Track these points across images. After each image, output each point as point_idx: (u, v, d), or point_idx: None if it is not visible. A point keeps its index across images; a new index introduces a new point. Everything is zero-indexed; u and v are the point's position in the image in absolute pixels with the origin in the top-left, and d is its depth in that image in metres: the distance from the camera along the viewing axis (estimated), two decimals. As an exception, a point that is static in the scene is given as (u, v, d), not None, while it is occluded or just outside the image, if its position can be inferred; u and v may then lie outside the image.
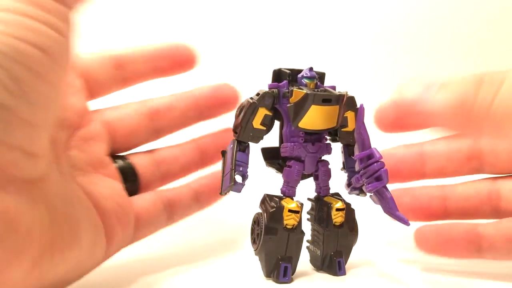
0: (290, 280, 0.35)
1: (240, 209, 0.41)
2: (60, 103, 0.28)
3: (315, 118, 0.35)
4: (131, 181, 0.37)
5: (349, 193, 0.38)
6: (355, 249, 0.38)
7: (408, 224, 0.34)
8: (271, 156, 0.38)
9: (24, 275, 0.25)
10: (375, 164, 0.34)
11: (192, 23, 0.59)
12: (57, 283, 0.28)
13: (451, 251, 0.37)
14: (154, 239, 0.38)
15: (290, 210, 0.35)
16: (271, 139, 0.37)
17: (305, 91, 0.34)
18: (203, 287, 0.34)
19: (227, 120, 0.42)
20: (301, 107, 0.34)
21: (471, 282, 0.36)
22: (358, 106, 0.35)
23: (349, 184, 0.38)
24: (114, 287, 0.33)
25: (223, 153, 0.36)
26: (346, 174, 0.38)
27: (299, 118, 0.34)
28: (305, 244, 0.38)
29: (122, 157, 0.38)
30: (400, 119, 0.33)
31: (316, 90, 0.35)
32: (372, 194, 0.35)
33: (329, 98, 0.34)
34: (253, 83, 0.38)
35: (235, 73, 0.54)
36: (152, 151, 0.40)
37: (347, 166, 0.38)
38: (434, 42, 0.57)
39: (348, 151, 0.38)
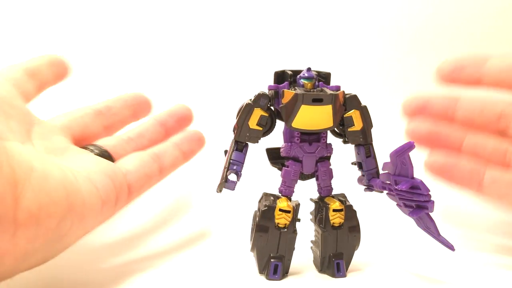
0: (279, 278, 0.35)
1: (245, 206, 0.42)
2: None
3: (307, 118, 0.35)
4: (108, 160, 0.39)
5: (365, 190, 0.38)
6: (361, 251, 0.37)
7: (453, 249, 0.35)
8: (275, 156, 0.38)
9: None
10: (422, 196, 0.33)
11: (195, 25, 0.60)
12: (50, 244, 0.29)
13: (455, 178, 0.40)
14: (150, 233, 0.40)
15: (281, 210, 0.35)
16: (277, 139, 0.38)
17: (294, 92, 0.34)
18: (200, 281, 0.35)
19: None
20: (292, 108, 0.34)
21: (472, 282, 0.35)
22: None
23: (369, 186, 0.37)
24: (110, 285, 0.34)
25: (225, 152, 0.37)
26: (359, 171, 0.38)
27: (291, 118, 0.35)
28: (309, 244, 0.38)
29: (92, 145, 0.40)
30: (459, 71, 0.42)
31: (312, 90, 0.35)
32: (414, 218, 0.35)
33: (320, 98, 0.34)
34: (258, 84, 0.38)
35: (240, 74, 0.55)
36: (116, 136, 0.42)
37: (366, 168, 0.37)
38: (439, 41, 0.53)
39: (365, 152, 0.37)
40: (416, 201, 0.34)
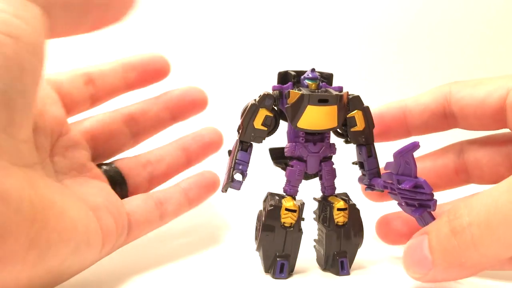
0: (286, 277, 0.35)
1: (249, 206, 0.42)
2: (35, 89, 0.28)
3: (313, 118, 0.35)
4: (119, 184, 0.39)
5: (366, 189, 0.38)
6: (364, 249, 0.37)
7: None
8: (278, 156, 0.39)
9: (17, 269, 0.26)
10: (425, 195, 0.34)
11: (198, 26, 0.60)
12: (48, 280, 0.29)
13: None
14: (153, 233, 0.40)
15: (287, 209, 0.35)
16: (281, 139, 0.38)
17: (300, 92, 0.35)
18: (205, 281, 0.35)
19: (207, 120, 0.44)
20: (297, 108, 0.35)
21: (474, 282, 0.35)
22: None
23: (370, 185, 0.38)
24: (113, 285, 0.34)
25: (229, 152, 0.38)
26: (360, 170, 0.38)
27: (297, 119, 0.35)
28: (312, 243, 0.39)
29: (107, 163, 0.39)
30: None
31: (317, 91, 0.36)
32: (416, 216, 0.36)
33: (326, 98, 0.35)
34: (260, 85, 0.39)
35: (243, 75, 0.56)
36: (138, 155, 0.42)
37: (368, 168, 0.38)
38: (438, 43, 0.54)
39: (366, 152, 0.38)
40: (419, 200, 0.35)
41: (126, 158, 0.41)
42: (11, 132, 0.26)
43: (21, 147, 0.27)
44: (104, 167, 0.39)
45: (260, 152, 0.38)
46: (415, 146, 0.33)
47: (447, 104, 0.38)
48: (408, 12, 0.56)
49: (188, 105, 0.44)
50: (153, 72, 0.42)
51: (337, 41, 0.57)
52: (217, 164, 0.43)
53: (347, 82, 0.39)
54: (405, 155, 0.34)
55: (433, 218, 0.35)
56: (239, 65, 0.57)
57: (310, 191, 0.38)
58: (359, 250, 0.37)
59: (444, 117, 0.39)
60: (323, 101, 0.35)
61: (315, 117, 0.35)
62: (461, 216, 0.30)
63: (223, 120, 0.44)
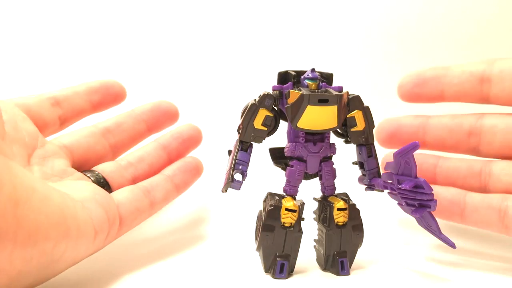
0: (286, 277, 0.35)
1: (249, 206, 0.42)
2: None
3: (313, 118, 0.35)
4: (103, 187, 0.38)
5: (366, 190, 0.38)
6: (364, 249, 0.38)
7: (454, 247, 0.36)
8: (278, 156, 0.39)
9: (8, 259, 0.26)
10: (425, 195, 0.34)
11: (198, 26, 0.60)
12: (45, 266, 0.29)
13: (437, 211, 0.38)
14: (154, 233, 0.40)
15: (287, 209, 0.36)
16: (281, 139, 0.38)
17: (300, 92, 0.35)
18: (205, 281, 0.35)
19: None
20: (297, 108, 0.35)
21: (474, 281, 0.35)
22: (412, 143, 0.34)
23: (370, 185, 0.38)
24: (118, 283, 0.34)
25: (229, 152, 0.38)
26: (360, 170, 0.38)
27: (297, 119, 0.35)
28: (312, 243, 0.39)
29: (88, 170, 0.40)
30: (420, 87, 0.41)
31: (317, 91, 0.36)
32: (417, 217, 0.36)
33: (326, 99, 0.35)
34: (260, 85, 0.39)
35: (242, 75, 0.56)
36: (118, 160, 0.42)
37: (368, 168, 0.38)
38: (439, 43, 0.54)
39: (367, 152, 0.38)
40: (419, 200, 0.35)
41: (107, 163, 0.42)
42: None
43: None
44: (88, 173, 0.39)
45: (260, 152, 0.38)
46: (415, 146, 0.33)
47: (487, 67, 0.40)
48: (408, 11, 0.56)
49: (161, 117, 0.45)
50: (113, 95, 0.44)
51: (338, 41, 0.57)
52: (217, 163, 0.43)
53: (347, 82, 0.39)
54: (405, 155, 0.34)
55: (434, 219, 0.35)
56: (239, 65, 0.57)
57: (310, 191, 0.38)
58: (359, 250, 0.37)
59: (480, 82, 0.40)
60: (323, 101, 0.35)
61: (315, 117, 0.35)
62: None
63: (223, 120, 0.44)
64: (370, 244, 0.39)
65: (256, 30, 0.58)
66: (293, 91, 0.35)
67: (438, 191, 0.39)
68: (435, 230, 0.36)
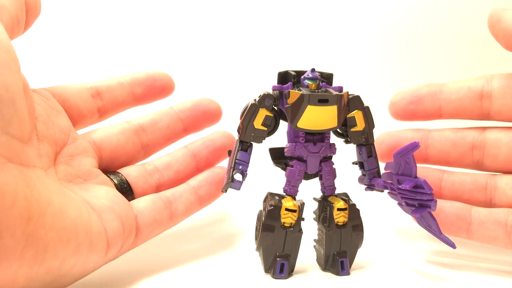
0: (286, 277, 0.36)
1: (249, 206, 0.42)
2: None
3: (312, 118, 0.35)
4: (125, 191, 0.38)
5: (366, 190, 0.38)
6: (363, 249, 0.38)
7: (454, 247, 0.36)
8: (278, 156, 0.39)
9: (19, 271, 0.26)
10: (425, 195, 0.34)
11: (198, 26, 0.60)
12: (48, 282, 0.28)
13: (442, 227, 0.37)
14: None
15: (287, 209, 0.36)
16: (281, 139, 0.38)
17: (300, 92, 0.35)
18: (205, 281, 0.35)
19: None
20: (297, 108, 0.35)
21: (474, 282, 0.35)
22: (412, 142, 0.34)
23: (370, 185, 0.38)
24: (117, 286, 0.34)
25: (229, 152, 0.38)
26: (360, 170, 0.38)
27: (297, 119, 0.35)
28: (312, 243, 0.39)
29: (113, 172, 0.38)
30: (416, 105, 0.41)
31: (317, 91, 0.36)
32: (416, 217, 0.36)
33: (326, 99, 0.35)
34: (260, 85, 0.39)
35: (242, 75, 0.56)
36: (145, 163, 0.41)
37: (368, 168, 0.38)
38: (440, 43, 0.54)
39: (367, 152, 0.38)
40: (419, 200, 0.35)
41: (133, 166, 0.40)
42: (5, 129, 0.26)
43: (19, 146, 0.27)
44: (110, 175, 0.38)
45: (260, 152, 0.38)
46: (415, 146, 0.33)
47: (486, 83, 0.39)
48: (409, 11, 0.56)
49: (201, 117, 0.43)
50: (159, 88, 0.42)
51: (338, 41, 0.58)
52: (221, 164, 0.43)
53: (347, 82, 0.39)
54: (405, 155, 0.34)
55: (434, 219, 0.35)
56: (240, 65, 0.57)
57: (310, 191, 0.38)
58: (359, 250, 0.37)
59: (479, 98, 0.39)
60: (323, 101, 0.35)
61: (315, 117, 0.35)
62: None
63: (223, 120, 0.44)
64: (370, 244, 0.39)
65: (257, 30, 0.58)
66: (293, 91, 0.35)
67: (444, 205, 0.38)
68: (435, 230, 0.36)
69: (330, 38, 0.57)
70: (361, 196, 0.39)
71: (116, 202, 0.34)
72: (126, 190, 0.38)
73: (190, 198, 0.39)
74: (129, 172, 0.39)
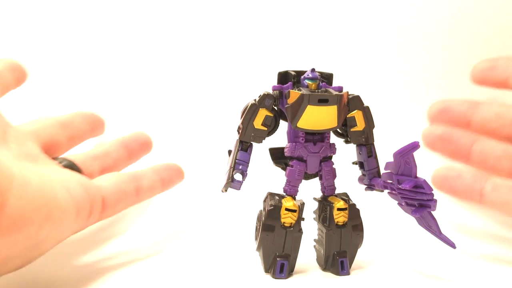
0: (286, 277, 0.36)
1: (249, 206, 0.42)
2: None
3: (312, 118, 0.35)
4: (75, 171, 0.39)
5: (366, 189, 0.38)
6: (364, 249, 0.38)
7: (454, 247, 0.36)
8: (278, 156, 0.39)
9: None
10: (425, 195, 0.34)
11: (198, 26, 0.60)
12: (30, 249, 0.29)
13: (456, 191, 0.40)
14: (154, 232, 0.40)
15: (287, 209, 0.36)
16: (281, 139, 0.38)
17: (300, 92, 0.35)
18: (205, 280, 0.35)
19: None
20: (297, 108, 0.35)
21: (475, 282, 0.35)
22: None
23: (370, 185, 0.38)
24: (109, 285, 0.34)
25: (229, 152, 0.38)
26: (360, 170, 0.38)
27: (297, 119, 0.35)
28: (312, 243, 0.39)
29: (59, 157, 0.40)
30: (489, 72, 0.44)
31: (317, 91, 0.36)
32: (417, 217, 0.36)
33: (326, 99, 0.35)
34: (260, 85, 0.39)
35: (242, 75, 0.55)
36: (84, 152, 0.43)
37: (368, 168, 0.38)
38: (441, 43, 0.55)
39: (367, 152, 0.38)
40: (419, 200, 0.35)
41: (75, 154, 0.42)
42: None
43: None
44: (59, 159, 0.39)
45: (260, 152, 0.38)
46: (415, 146, 0.33)
47: None
48: (411, 12, 0.56)
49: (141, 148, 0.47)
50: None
51: (338, 41, 0.57)
52: (217, 163, 0.43)
53: (347, 82, 0.38)
54: (405, 155, 0.34)
55: (434, 219, 0.35)
56: (240, 65, 0.57)
57: (310, 191, 0.38)
58: (359, 250, 0.37)
59: None
60: (323, 101, 0.35)
61: (315, 117, 0.35)
62: None
63: (223, 120, 0.44)
64: (370, 244, 0.39)
65: (257, 30, 0.58)
66: (293, 91, 0.35)
67: (462, 169, 0.42)
68: (435, 230, 0.36)
69: (331, 38, 0.57)
70: (361, 196, 0.39)
71: (74, 174, 0.35)
72: (76, 171, 0.39)
73: (153, 178, 0.41)
74: (74, 158, 0.40)
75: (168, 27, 0.60)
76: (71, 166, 0.39)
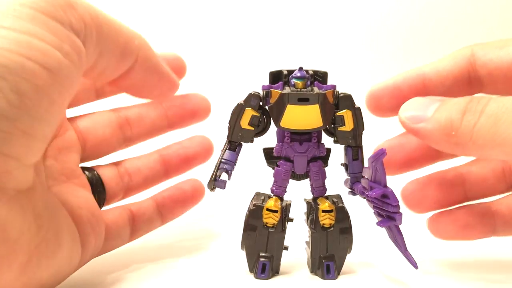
0: (267, 277, 0.35)
1: (243, 205, 0.42)
2: (59, 120, 0.29)
3: (294, 117, 0.34)
4: (99, 192, 0.38)
5: (349, 193, 0.37)
6: (356, 253, 0.36)
7: (416, 267, 0.34)
8: (272, 156, 0.38)
9: (12, 280, 0.26)
10: (391, 207, 0.33)
11: (193, 25, 0.60)
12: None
13: (468, 235, 0.36)
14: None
15: (268, 209, 0.35)
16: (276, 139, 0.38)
17: (280, 91, 0.34)
18: (190, 278, 0.36)
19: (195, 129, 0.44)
20: (279, 107, 0.34)
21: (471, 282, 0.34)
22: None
23: (351, 189, 0.37)
24: (96, 284, 0.35)
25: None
26: (346, 173, 0.37)
27: (279, 118, 0.35)
28: (304, 244, 0.38)
29: (90, 169, 0.39)
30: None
31: (303, 90, 0.35)
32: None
33: (306, 98, 0.34)
34: (258, 84, 0.39)
35: (239, 74, 0.55)
36: (117, 163, 0.41)
37: (351, 171, 0.36)
38: (435, 40, 0.50)
39: (352, 154, 0.36)
40: (386, 211, 0.33)
41: (108, 166, 0.41)
42: (22, 159, 0.26)
43: (24, 171, 0.27)
44: (87, 173, 0.38)
45: (256, 152, 0.38)
46: (382, 153, 0.31)
47: (471, 68, 0.35)
48: (411, 10, 0.53)
49: (188, 115, 0.43)
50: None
51: (339, 40, 0.56)
52: (212, 162, 0.43)
53: (348, 82, 0.37)
54: (375, 162, 0.32)
55: (400, 233, 0.34)
56: (239, 65, 0.58)
57: (306, 192, 0.38)
58: (351, 255, 0.36)
59: (468, 84, 0.36)
60: (303, 100, 0.34)
61: (297, 117, 0.34)
62: (480, 103, 0.29)
63: (222, 120, 0.44)
64: (363, 248, 0.38)
65: (253, 29, 0.58)
66: (274, 91, 0.35)
67: (467, 211, 0.37)
68: (400, 246, 0.34)
69: (330, 37, 0.56)
70: (356, 199, 0.37)
71: (93, 213, 0.35)
72: (100, 191, 0.39)
73: (152, 217, 0.41)
74: (103, 173, 0.40)
75: (165, 27, 0.61)
76: (97, 184, 0.38)
